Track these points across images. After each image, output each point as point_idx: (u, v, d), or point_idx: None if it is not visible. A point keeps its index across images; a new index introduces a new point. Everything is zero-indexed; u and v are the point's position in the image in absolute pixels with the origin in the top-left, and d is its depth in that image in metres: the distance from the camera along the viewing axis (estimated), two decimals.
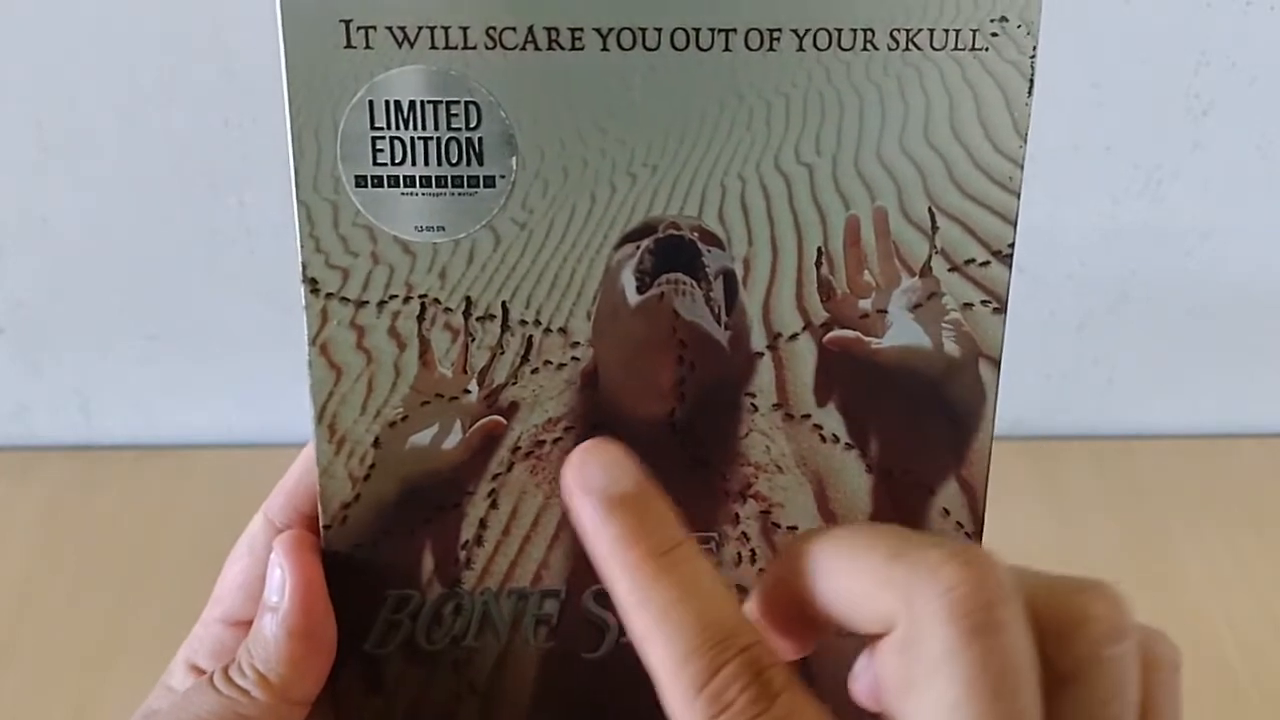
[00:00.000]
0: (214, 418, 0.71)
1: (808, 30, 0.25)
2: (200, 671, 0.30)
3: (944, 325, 0.27)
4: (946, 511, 0.29)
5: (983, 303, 0.27)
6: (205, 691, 0.28)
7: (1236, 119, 0.64)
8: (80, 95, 0.62)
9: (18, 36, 0.61)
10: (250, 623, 0.29)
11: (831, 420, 0.28)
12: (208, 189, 0.65)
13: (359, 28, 0.24)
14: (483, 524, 0.28)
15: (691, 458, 0.28)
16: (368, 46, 0.25)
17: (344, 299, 0.26)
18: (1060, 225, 0.66)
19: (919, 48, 0.25)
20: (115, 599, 0.56)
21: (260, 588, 0.29)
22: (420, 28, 0.24)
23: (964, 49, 0.25)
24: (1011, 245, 0.27)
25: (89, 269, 0.66)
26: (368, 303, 0.26)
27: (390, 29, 0.24)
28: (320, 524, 0.28)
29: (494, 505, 0.28)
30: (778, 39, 0.25)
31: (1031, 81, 0.26)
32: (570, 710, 0.29)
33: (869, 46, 0.25)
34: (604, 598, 0.27)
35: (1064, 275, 0.68)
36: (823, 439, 0.28)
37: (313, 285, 0.26)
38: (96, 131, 0.63)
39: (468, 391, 0.27)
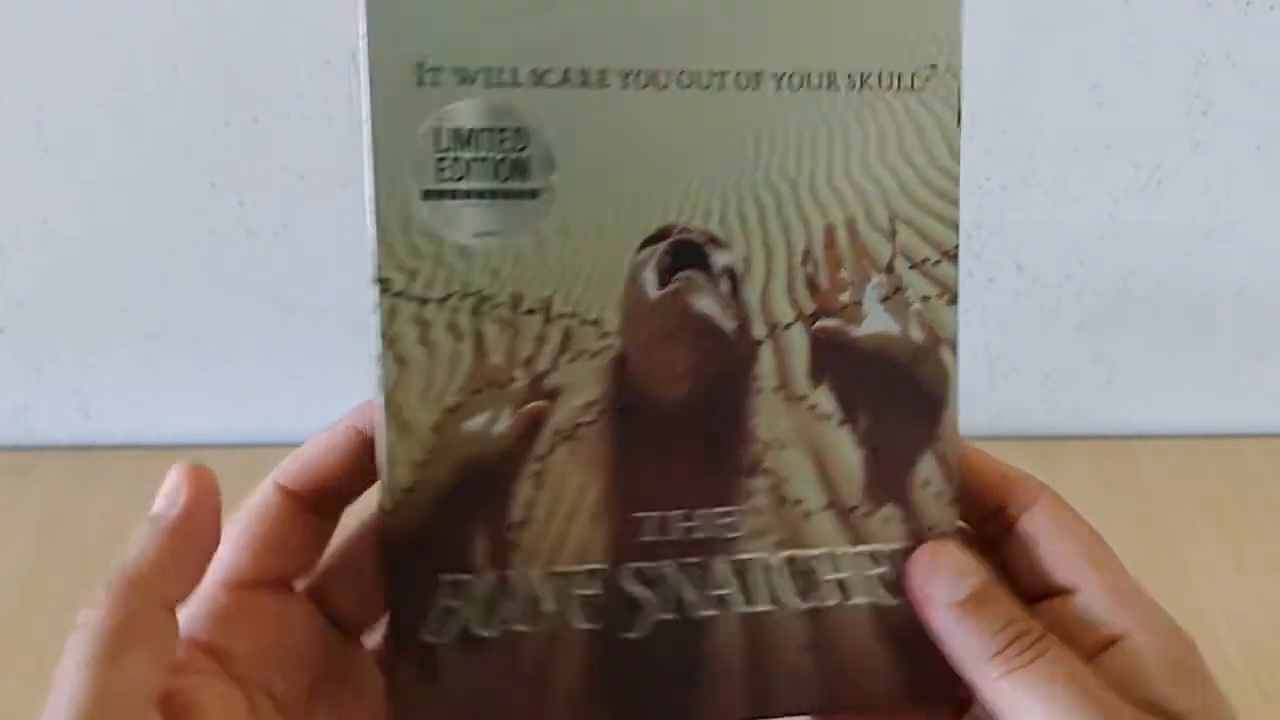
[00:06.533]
0: (214, 418, 0.71)
1: (784, 74, 0.32)
2: (202, 648, 0.29)
3: (909, 315, 0.33)
4: (928, 482, 0.33)
5: (938, 295, 0.33)
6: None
7: (1236, 119, 0.65)
8: (80, 95, 0.63)
9: (18, 37, 0.61)
10: (253, 583, 0.31)
11: (825, 400, 0.33)
12: (208, 189, 0.65)
13: (429, 69, 0.31)
14: (529, 505, 0.32)
15: (708, 435, 0.32)
16: (435, 84, 0.31)
17: (410, 297, 0.31)
18: (1060, 225, 0.67)
19: (870, 87, 0.33)
20: None
21: (268, 549, 0.31)
22: (479, 69, 0.31)
23: (905, 89, 0.33)
24: (956, 246, 0.34)
25: (89, 269, 0.67)
26: (430, 300, 0.31)
27: (454, 69, 0.31)
28: (380, 508, 0.32)
29: (539, 487, 0.32)
30: (760, 80, 0.32)
31: (959, 113, 0.33)
32: (618, 694, 0.32)
33: (832, 87, 0.32)
34: (641, 575, 0.32)
35: (1064, 275, 0.69)
36: (818, 418, 0.33)
37: (384, 285, 0.31)
38: (96, 131, 0.64)
39: (514, 379, 0.31)
